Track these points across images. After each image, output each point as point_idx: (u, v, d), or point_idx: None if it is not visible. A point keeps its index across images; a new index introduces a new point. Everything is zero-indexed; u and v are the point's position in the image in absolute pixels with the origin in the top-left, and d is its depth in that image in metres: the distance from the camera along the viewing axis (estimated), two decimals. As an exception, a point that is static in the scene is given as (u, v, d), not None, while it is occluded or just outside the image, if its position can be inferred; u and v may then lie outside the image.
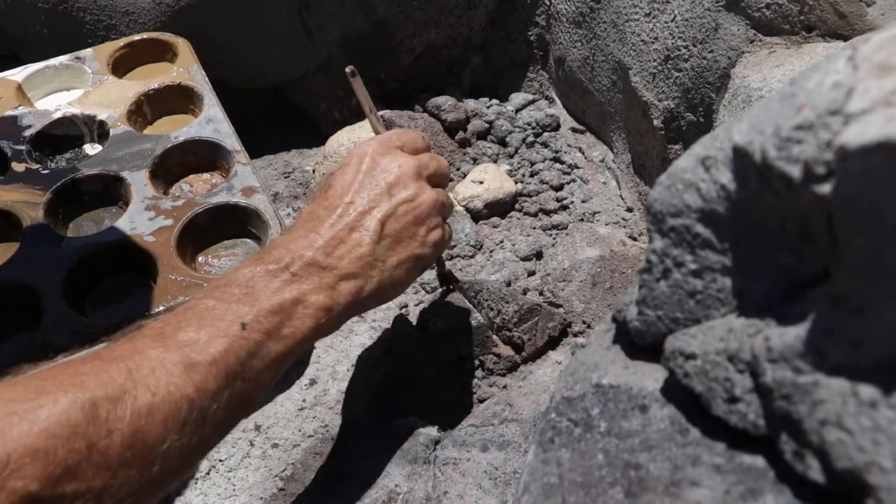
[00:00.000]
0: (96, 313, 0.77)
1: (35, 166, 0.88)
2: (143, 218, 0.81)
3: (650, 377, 0.44)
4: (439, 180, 0.71)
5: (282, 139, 1.21)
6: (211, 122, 0.92)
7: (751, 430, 0.36)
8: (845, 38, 0.74)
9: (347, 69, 0.73)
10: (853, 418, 0.30)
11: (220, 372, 0.50)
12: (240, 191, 0.84)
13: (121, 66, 1.02)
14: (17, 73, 0.98)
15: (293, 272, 0.58)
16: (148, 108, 0.96)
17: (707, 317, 0.40)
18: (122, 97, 0.95)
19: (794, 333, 0.33)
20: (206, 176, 0.91)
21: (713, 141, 0.38)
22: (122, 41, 1.02)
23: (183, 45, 1.02)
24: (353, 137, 1.13)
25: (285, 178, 1.16)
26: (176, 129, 0.92)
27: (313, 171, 1.16)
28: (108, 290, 0.80)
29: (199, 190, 0.88)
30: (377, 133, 0.76)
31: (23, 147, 0.89)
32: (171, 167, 0.89)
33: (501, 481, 0.70)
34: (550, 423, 0.46)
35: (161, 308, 0.73)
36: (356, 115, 1.23)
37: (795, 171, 0.31)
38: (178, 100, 0.97)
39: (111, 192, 0.87)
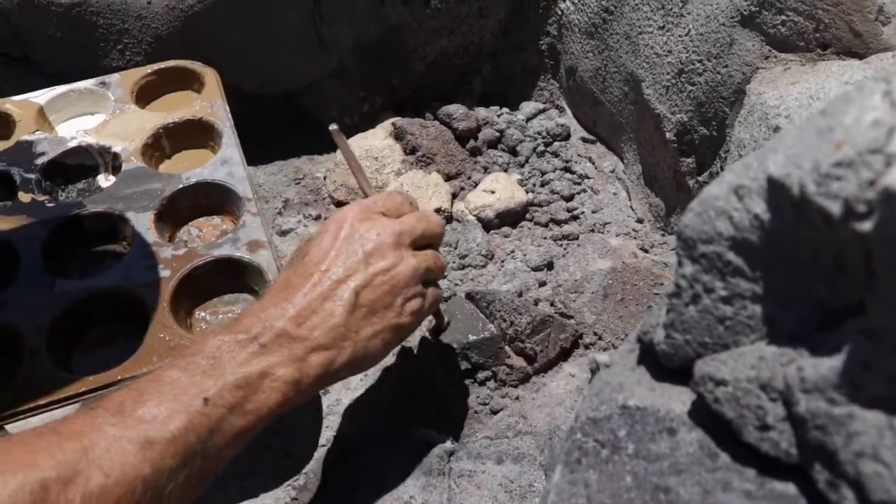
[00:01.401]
0: (82, 363, 0.73)
1: (42, 198, 0.84)
2: (140, 266, 0.77)
3: (677, 400, 0.45)
4: (429, 240, 0.69)
5: (293, 145, 1.22)
6: (226, 163, 0.87)
7: (783, 458, 0.36)
8: (860, 57, 0.75)
9: (331, 127, 0.72)
10: (890, 451, 0.31)
11: (178, 450, 0.49)
12: (245, 244, 0.79)
13: (146, 94, 0.98)
14: (41, 96, 0.95)
15: (262, 343, 0.57)
16: (167, 142, 0.92)
17: (736, 343, 0.41)
18: (140, 129, 0.92)
19: (829, 365, 0.34)
20: (216, 220, 0.87)
21: (746, 170, 0.39)
22: (149, 68, 0.99)
23: (211, 76, 0.98)
24: (364, 145, 1.13)
25: (296, 184, 1.16)
26: (194, 165, 0.89)
27: (324, 178, 1.16)
28: (96, 339, 0.76)
29: (207, 236, 0.85)
30: (364, 194, 0.75)
31: (33, 176, 0.86)
32: (180, 209, 0.85)
33: (517, 494, 0.70)
34: (577, 443, 0.46)
35: (144, 371, 0.69)
36: (368, 122, 1.23)
37: (835, 208, 0.31)
38: (199, 135, 0.93)
39: (117, 231, 0.83)
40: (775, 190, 0.36)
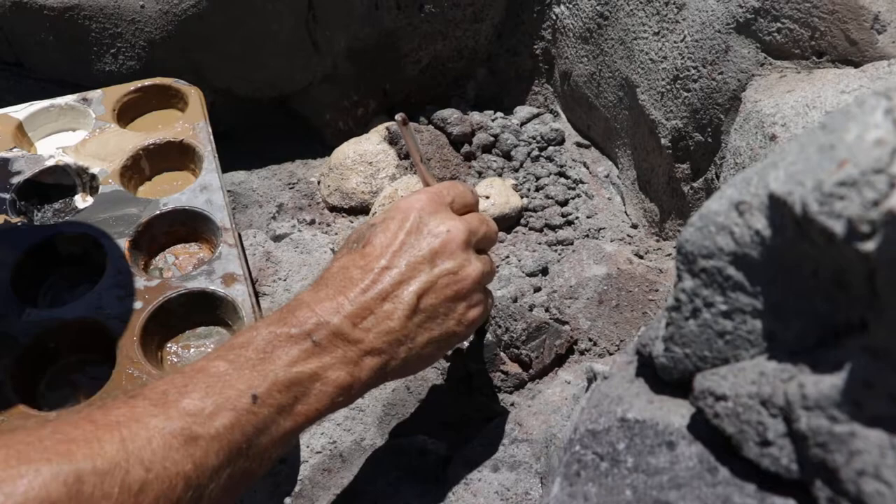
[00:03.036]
0: (49, 396, 0.70)
1: (16, 219, 0.81)
2: (111, 296, 0.74)
3: (676, 413, 0.45)
4: (486, 245, 0.65)
5: (286, 149, 1.21)
6: (205, 190, 0.84)
7: (783, 474, 0.36)
8: (856, 65, 0.75)
9: (398, 116, 0.68)
10: (892, 470, 0.31)
11: (222, 448, 0.46)
12: (220, 277, 0.76)
13: (128, 112, 0.95)
14: (20, 111, 0.92)
15: (315, 341, 0.54)
16: (146, 163, 0.90)
17: (736, 357, 0.41)
18: (120, 149, 0.88)
19: (830, 382, 0.34)
20: (193, 248, 0.84)
21: (746, 185, 0.39)
22: (132, 85, 0.96)
23: (195, 96, 0.96)
24: (358, 149, 1.13)
25: (290, 188, 1.16)
26: (174, 188, 0.86)
27: (318, 183, 1.16)
28: (63, 371, 0.73)
29: (184, 264, 0.82)
30: (426, 185, 0.69)
31: (7, 196, 0.82)
32: (156, 236, 0.83)
33: (513, 502, 0.70)
34: (576, 455, 0.46)
35: None
36: (361, 126, 1.23)
37: (838, 227, 0.31)
38: (179, 157, 0.91)
39: (90, 257, 0.80)
40: (777, 207, 0.36)
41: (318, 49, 1.16)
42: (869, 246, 0.30)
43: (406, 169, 1.12)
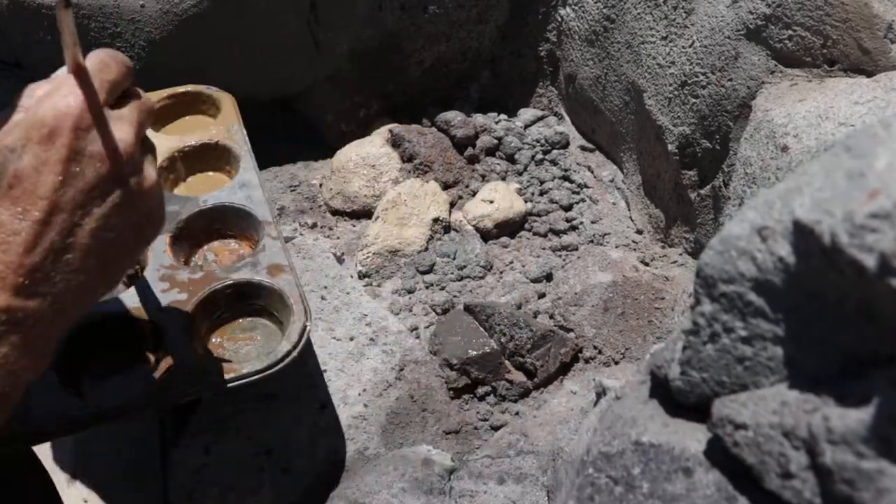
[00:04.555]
0: (93, 391, 0.69)
1: None
2: (155, 289, 0.74)
3: (692, 437, 0.44)
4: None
5: (288, 151, 1.20)
6: (245, 187, 0.84)
7: (806, 508, 0.35)
8: (869, 74, 0.74)
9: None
10: (922, 511, 0.30)
11: None
12: (265, 268, 0.76)
13: (160, 118, 0.94)
14: None
15: None
16: (182, 165, 0.89)
17: (755, 384, 0.40)
18: (157, 153, 0.87)
19: (857, 417, 0.33)
20: (233, 245, 0.84)
21: (769, 209, 0.38)
22: (165, 92, 0.95)
23: (227, 101, 0.95)
24: (361, 152, 1.12)
25: (291, 191, 1.14)
26: (209, 189, 0.85)
27: (320, 186, 1.15)
28: (105, 365, 0.71)
29: (224, 261, 0.81)
30: (74, 70, 0.49)
31: None
32: (196, 233, 0.82)
33: (519, 516, 0.69)
34: (589, 478, 0.45)
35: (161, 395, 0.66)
36: (363, 128, 1.22)
37: (870, 261, 0.30)
38: (215, 159, 0.90)
39: None
40: (802, 234, 0.35)
41: (320, 50, 1.15)
42: (902, 282, 0.29)
43: (409, 172, 1.11)
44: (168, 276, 0.75)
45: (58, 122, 0.46)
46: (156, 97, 0.94)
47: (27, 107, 0.47)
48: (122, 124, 0.49)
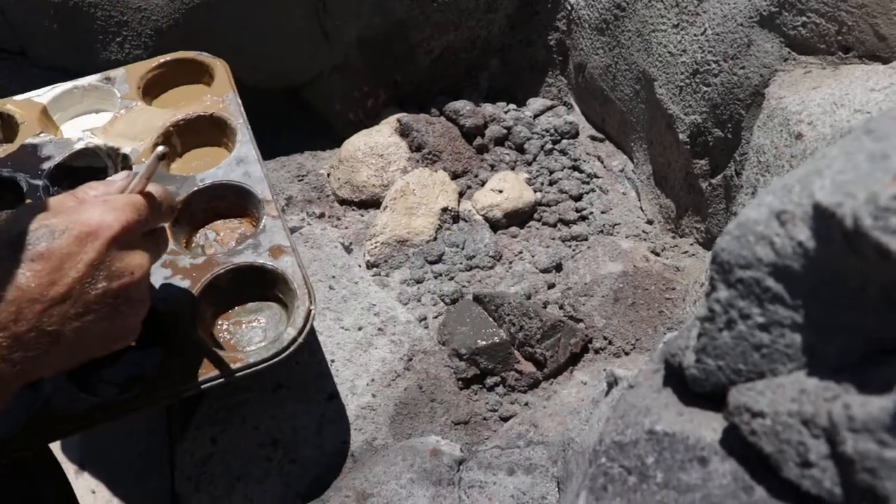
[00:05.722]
0: (107, 376, 0.69)
1: None
2: (156, 277, 0.72)
3: (707, 426, 0.43)
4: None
5: (295, 140, 1.19)
6: (242, 163, 0.82)
7: (826, 498, 0.35)
8: (885, 61, 0.73)
9: (160, 149, 0.60)
10: (948, 501, 0.29)
11: None
12: (267, 250, 0.74)
13: (153, 88, 0.93)
14: (43, 95, 0.89)
15: None
16: (177, 140, 0.87)
17: (773, 371, 0.39)
18: (149, 127, 0.86)
19: (880, 405, 0.32)
20: (234, 223, 0.82)
21: (787, 193, 0.37)
22: (155, 61, 0.93)
23: (220, 68, 0.93)
24: (369, 142, 1.11)
25: (299, 181, 1.14)
26: (207, 164, 0.83)
27: (328, 175, 1.14)
28: (116, 356, 0.70)
29: (226, 239, 0.80)
30: (141, 191, 0.59)
31: (40, 182, 0.81)
32: (195, 213, 0.80)
33: (529, 507, 0.69)
34: (602, 468, 0.45)
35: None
36: (371, 118, 1.21)
37: (894, 244, 0.29)
38: (211, 131, 0.88)
39: None
40: (823, 218, 0.34)
41: (328, 39, 1.14)
42: (929, 265, 0.28)
43: (418, 162, 1.10)
44: (170, 263, 0.73)
45: (100, 229, 0.52)
46: (146, 66, 0.93)
47: (80, 199, 0.54)
48: (145, 254, 0.55)
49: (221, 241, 0.79)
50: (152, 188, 0.58)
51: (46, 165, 0.82)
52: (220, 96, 0.89)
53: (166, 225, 0.71)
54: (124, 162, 0.84)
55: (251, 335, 0.72)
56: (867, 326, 0.35)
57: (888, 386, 0.32)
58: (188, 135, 0.87)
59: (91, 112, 0.91)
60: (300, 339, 0.68)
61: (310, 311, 0.69)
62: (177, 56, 0.93)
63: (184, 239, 0.78)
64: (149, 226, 0.56)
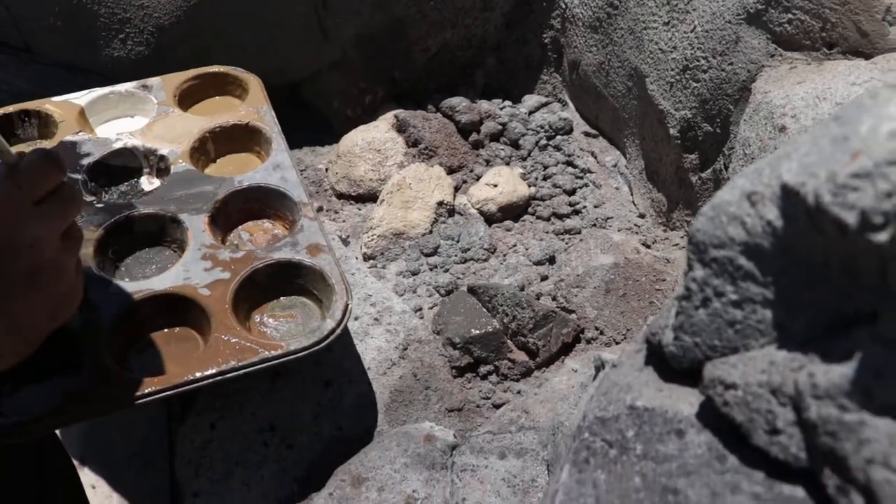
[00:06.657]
0: (139, 367, 0.71)
1: (89, 198, 0.82)
2: (198, 268, 0.76)
3: (685, 401, 0.45)
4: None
5: (294, 136, 1.21)
6: (278, 168, 0.86)
7: (792, 463, 0.37)
8: (867, 57, 0.75)
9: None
10: (901, 459, 0.31)
11: None
12: (305, 248, 0.78)
13: (187, 98, 0.97)
14: (81, 97, 0.94)
15: None
16: (212, 146, 0.91)
17: (746, 346, 0.41)
18: (187, 132, 0.90)
19: (840, 372, 0.34)
20: (266, 225, 0.85)
21: (758, 176, 0.39)
22: (191, 72, 0.98)
23: (254, 82, 0.98)
24: (366, 137, 1.13)
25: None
26: (239, 171, 0.87)
27: (326, 170, 1.16)
28: (151, 342, 0.73)
29: (259, 240, 0.83)
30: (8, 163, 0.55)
31: (79, 177, 0.84)
32: (231, 213, 0.84)
33: (520, 489, 0.71)
34: (584, 442, 0.47)
35: (212, 371, 0.68)
36: (369, 114, 1.23)
37: (851, 218, 0.31)
38: (244, 139, 0.92)
39: (165, 233, 0.82)
40: (789, 197, 0.36)
41: (326, 36, 1.16)
42: (882, 237, 0.30)
43: (414, 157, 1.12)
44: (210, 255, 0.77)
45: None
46: (182, 77, 0.98)
47: None
48: (40, 222, 0.51)
49: (255, 242, 0.83)
50: (25, 160, 0.52)
51: (85, 161, 0.86)
52: (254, 107, 0.94)
53: (70, 182, 0.65)
54: (161, 162, 0.89)
55: (287, 327, 0.75)
56: (831, 301, 0.37)
57: (848, 355, 0.34)
58: (222, 141, 0.92)
59: (125, 117, 0.96)
60: (339, 330, 0.72)
61: (347, 304, 0.74)
62: (212, 69, 0.99)
63: (219, 237, 0.82)
64: (27, 194, 0.51)
